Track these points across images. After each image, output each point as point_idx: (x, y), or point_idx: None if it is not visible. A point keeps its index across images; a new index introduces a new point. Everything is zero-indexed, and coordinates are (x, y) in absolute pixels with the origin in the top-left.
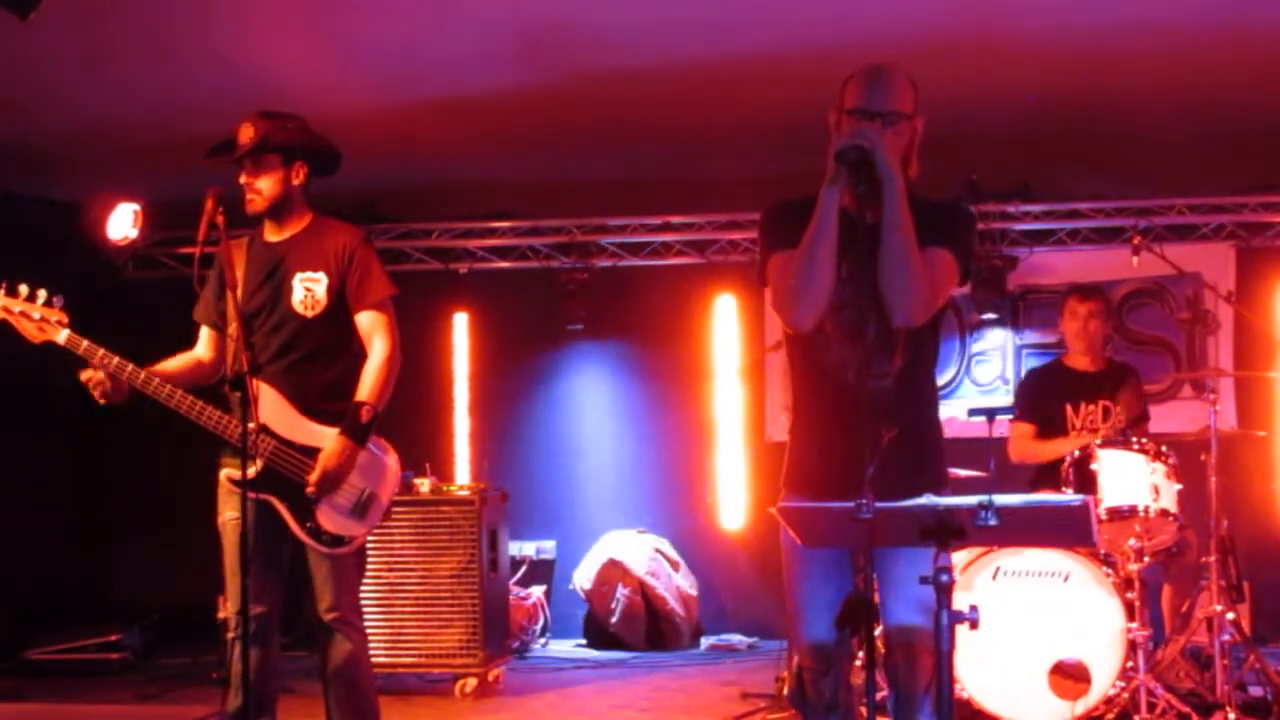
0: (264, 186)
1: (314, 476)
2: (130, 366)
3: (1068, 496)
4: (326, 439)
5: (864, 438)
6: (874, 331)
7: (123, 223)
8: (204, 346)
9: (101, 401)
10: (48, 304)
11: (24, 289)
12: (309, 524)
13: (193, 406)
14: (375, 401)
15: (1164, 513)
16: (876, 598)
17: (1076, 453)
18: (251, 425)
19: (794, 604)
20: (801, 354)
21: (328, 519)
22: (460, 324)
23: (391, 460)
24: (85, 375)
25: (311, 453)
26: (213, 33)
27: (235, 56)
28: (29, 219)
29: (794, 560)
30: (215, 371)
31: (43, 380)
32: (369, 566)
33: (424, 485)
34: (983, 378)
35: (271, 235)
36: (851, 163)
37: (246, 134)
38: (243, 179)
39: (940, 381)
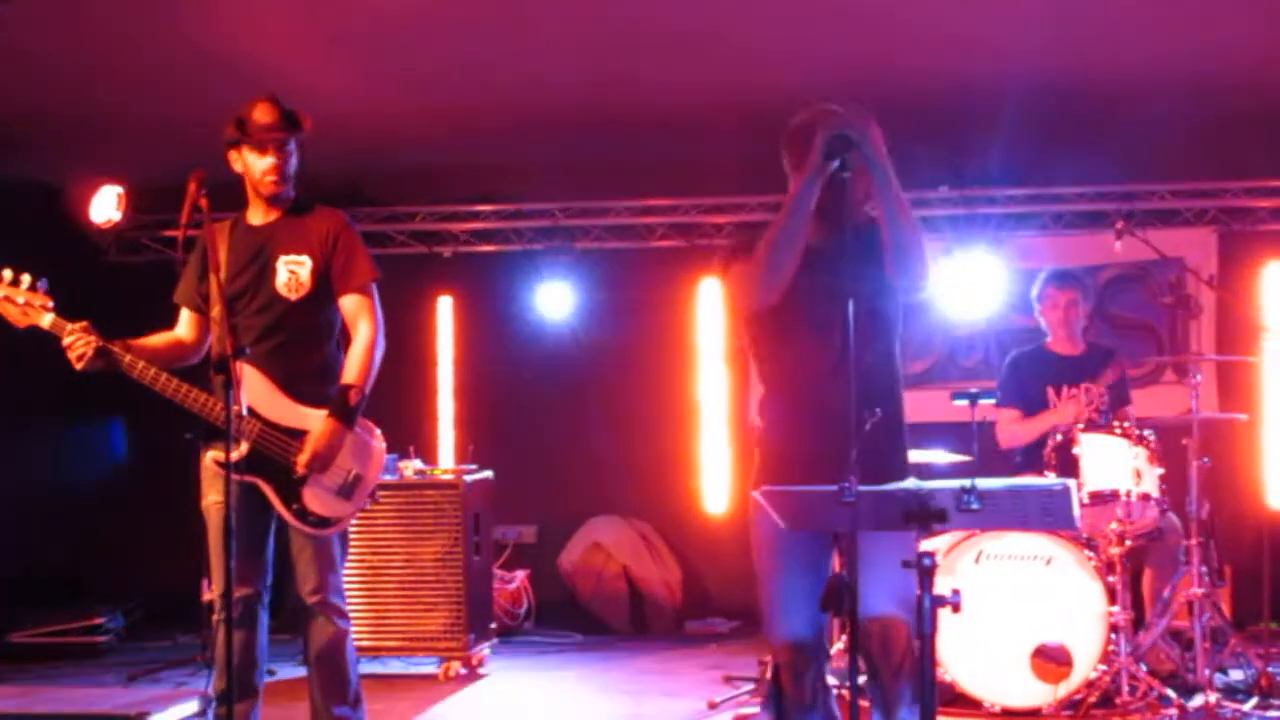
0: (288, 169)
1: (303, 458)
2: (115, 350)
3: (1050, 481)
4: (312, 421)
5: (842, 425)
6: (844, 337)
7: (106, 205)
8: (185, 328)
9: (79, 367)
10: (32, 288)
11: (8, 274)
12: (295, 505)
13: (178, 389)
14: (362, 384)
15: (1145, 496)
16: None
17: (1060, 436)
18: (237, 408)
19: (770, 600)
20: (773, 366)
21: (314, 500)
22: (444, 307)
23: (377, 442)
24: (67, 340)
25: (297, 434)
26: (198, 14)
27: (220, 39)
28: (10, 201)
29: (773, 556)
30: (196, 353)
31: (23, 363)
32: (353, 550)
33: (408, 469)
34: (965, 362)
35: (255, 218)
36: (839, 152)
37: (269, 114)
38: (264, 160)
39: (923, 366)
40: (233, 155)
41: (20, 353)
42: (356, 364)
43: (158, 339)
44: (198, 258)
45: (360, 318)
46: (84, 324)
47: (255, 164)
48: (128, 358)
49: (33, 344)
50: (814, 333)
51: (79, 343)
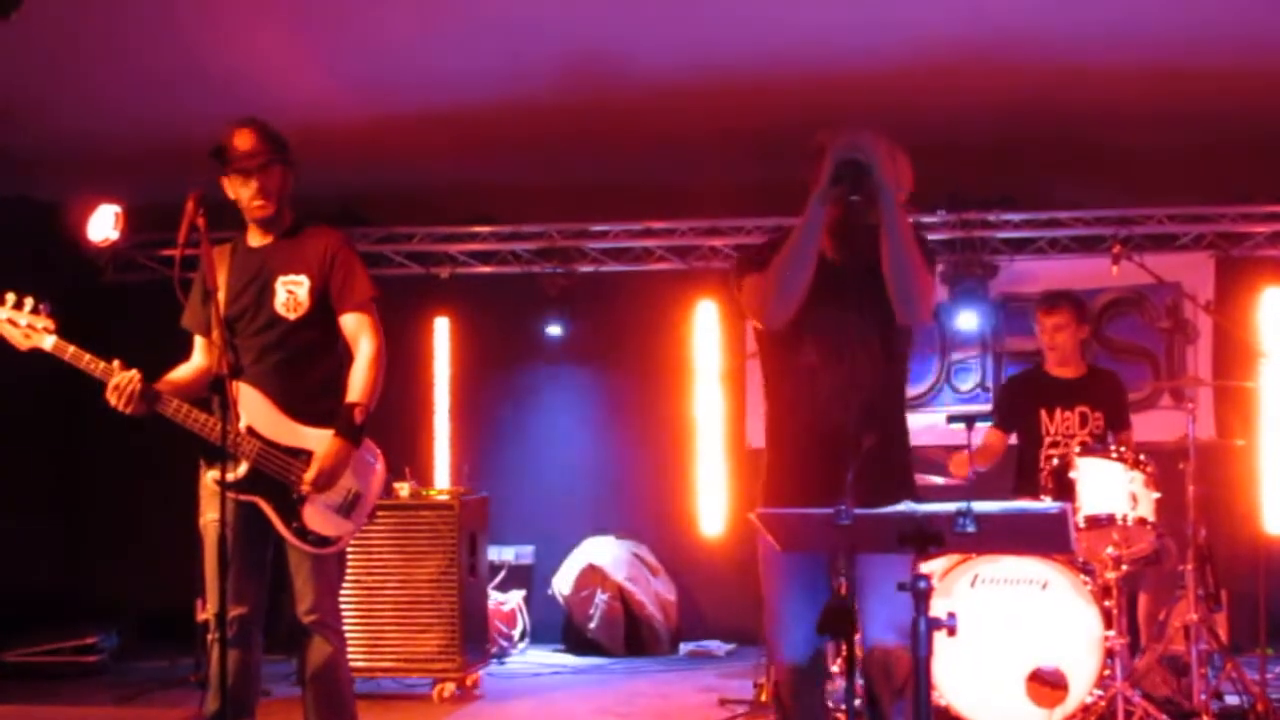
0: (271, 193)
1: (309, 475)
2: (115, 369)
3: (1046, 504)
4: (311, 440)
5: (843, 447)
6: (854, 361)
7: (103, 224)
8: (202, 354)
9: (127, 411)
10: (35, 310)
11: (11, 296)
12: (295, 524)
13: (179, 409)
14: (367, 401)
15: (1142, 521)
16: (855, 605)
17: (1056, 460)
18: (241, 426)
19: (773, 621)
20: (780, 383)
21: (314, 519)
22: (441, 328)
23: (377, 461)
24: (113, 382)
25: (297, 453)
26: (196, 37)
27: (219, 61)
28: (7, 219)
29: (773, 577)
30: None
31: (20, 382)
32: (348, 570)
33: (404, 489)
34: (963, 386)
35: (254, 240)
36: (848, 175)
37: (249, 140)
38: (249, 186)
39: (920, 390)
40: (225, 183)
41: (13, 371)
42: (360, 382)
43: (184, 374)
44: (199, 282)
45: (362, 335)
46: (119, 362)
47: (240, 191)
48: (172, 403)
49: (27, 363)
50: (820, 354)
51: (124, 381)
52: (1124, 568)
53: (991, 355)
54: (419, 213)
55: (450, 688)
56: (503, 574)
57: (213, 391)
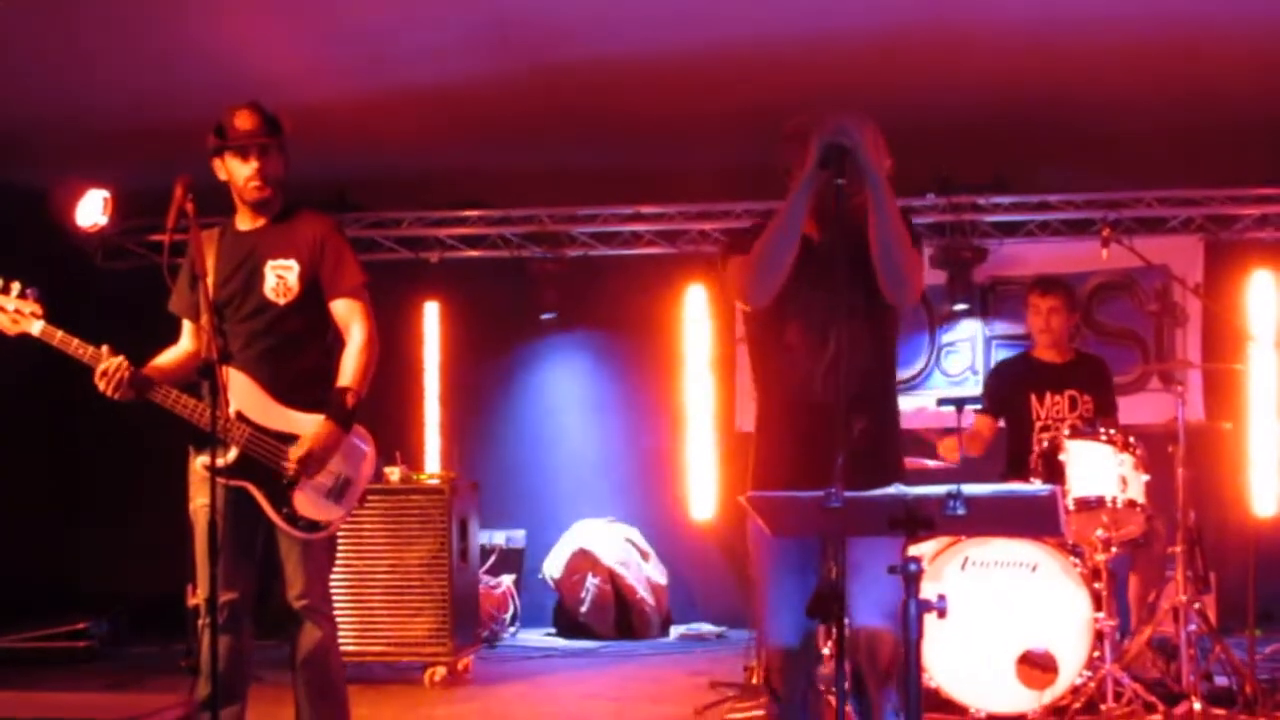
0: (272, 173)
1: (297, 452)
2: (104, 354)
3: (1036, 487)
4: (302, 425)
5: (832, 429)
6: (837, 345)
7: (92, 210)
8: (190, 339)
9: (116, 397)
10: (21, 296)
11: None
12: (285, 509)
13: (168, 395)
14: (358, 386)
15: (1131, 503)
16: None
17: (1045, 442)
18: (231, 412)
19: (763, 604)
20: (767, 364)
21: (304, 504)
22: (431, 313)
23: (369, 447)
24: (103, 367)
25: (287, 439)
26: (185, 19)
27: (207, 44)
28: None
29: (762, 561)
30: None
31: (12, 370)
32: (339, 555)
33: (394, 474)
34: (952, 368)
35: (243, 224)
36: (834, 159)
37: (249, 121)
38: (248, 165)
39: (910, 372)
40: (216, 164)
41: (5, 358)
42: (351, 367)
43: (171, 358)
44: (187, 267)
45: (353, 321)
46: (108, 347)
47: (238, 170)
48: (162, 389)
49: (19, 350)
50: (807, 336)
51: (112, 367)
52: (1113, 550)
53: (981, 338)
54: (408, 198)
55: (441, 672)
56: (494, 558)
57: (201, 377)
